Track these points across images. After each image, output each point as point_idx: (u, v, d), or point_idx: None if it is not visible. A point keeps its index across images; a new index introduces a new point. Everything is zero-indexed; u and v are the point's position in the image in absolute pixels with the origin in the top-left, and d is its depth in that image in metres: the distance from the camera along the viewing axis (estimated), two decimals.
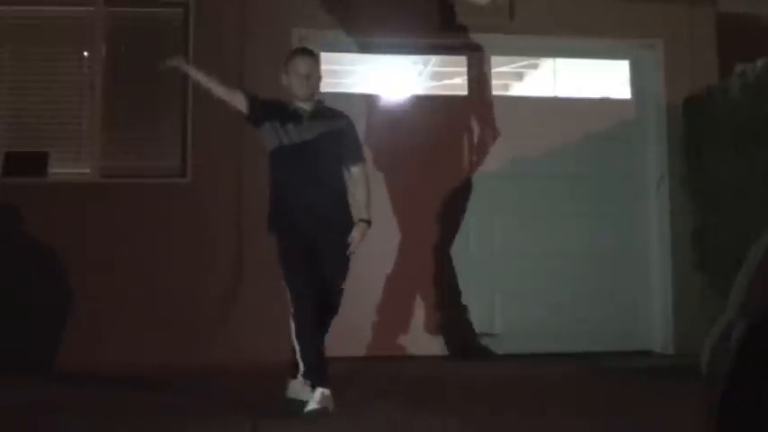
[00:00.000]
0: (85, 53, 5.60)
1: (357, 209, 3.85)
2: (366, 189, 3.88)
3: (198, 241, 5.34)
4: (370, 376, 4.14)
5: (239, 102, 3.84)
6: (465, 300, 5.68)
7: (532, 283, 5.70)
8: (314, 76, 3.84)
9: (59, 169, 5.43)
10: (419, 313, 5.60)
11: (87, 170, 5.47)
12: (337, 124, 3.85)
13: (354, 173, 3.87)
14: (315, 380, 3.55)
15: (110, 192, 5.39)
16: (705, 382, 1.57)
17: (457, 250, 5.70)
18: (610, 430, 3.27)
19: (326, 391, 3.51)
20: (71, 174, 5.47)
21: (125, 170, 5.50)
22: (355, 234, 3.76)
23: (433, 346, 5.59)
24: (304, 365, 3.60)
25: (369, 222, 3.82)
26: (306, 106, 3.82)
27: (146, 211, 5.33)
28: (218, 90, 3.90)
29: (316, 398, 3.49)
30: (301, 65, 3.81)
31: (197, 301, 5.27)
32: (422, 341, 5.57)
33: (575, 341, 5.61)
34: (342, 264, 3.76)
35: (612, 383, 4.55)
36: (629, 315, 5.82)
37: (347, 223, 3.79)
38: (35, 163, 5.36)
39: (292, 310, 3.63)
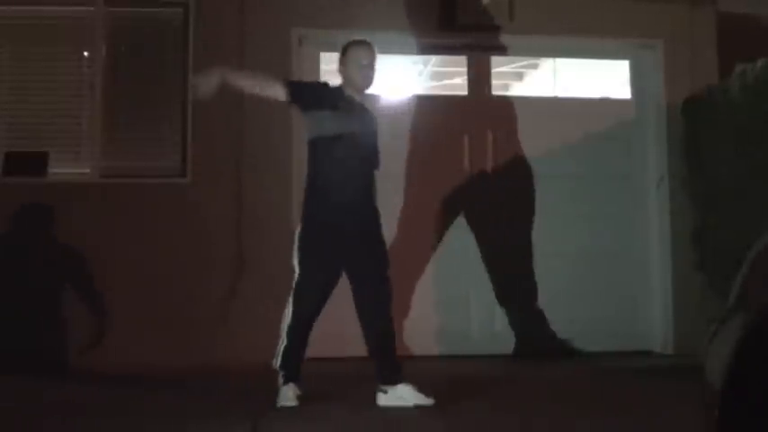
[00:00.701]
0: (85, 53, 5.60)
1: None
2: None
3: (198, 241, 5.35)
4: (371, 376, 4.12)
5: (277, 92, 3.73)
6: (464, 300, 5.69)
7: (533, 283, 5.70)
8: (374, 66, 3.83)
9: (59, 169, 5.43)
10: (419, 313, 5.59)
11: (87, 170, 5.47)
12: (375, 125, 3.89)
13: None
14: (289, 375, 3.66)
15: (110, 192, 5.39)
16: (705, 382, 1.58)
17: (457, 250, 5.70)
18: (610, 430, 3.27)
19: (296, 387, 3.64)
20: (71, 174, 5.47)
21: (125, 170, 5.51)
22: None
23: (433, 345, 5.59)
24: (282, 359, 3.68)
25: None
26: (357, 98, 3.83)
27: (146, 211, 5.33)
28: (256, 88, 3.81)
29: (288, 395, 3.61)
30: (364, 55, 3.81)
31: (197, 301, 5.27)
32: (421, 341, 5.57)
33: (575, 341, 5.61)
34: (382, 253, 3.78)
35: (612, 383, 4.54)
36: (629, 315, 5.83)
37: (377, 215, 3.81)
38: (35, 163, 5.36)
39: (292, 305, 3.69)
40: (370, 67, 3.81)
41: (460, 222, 5.73)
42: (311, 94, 3.79)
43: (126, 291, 5.21)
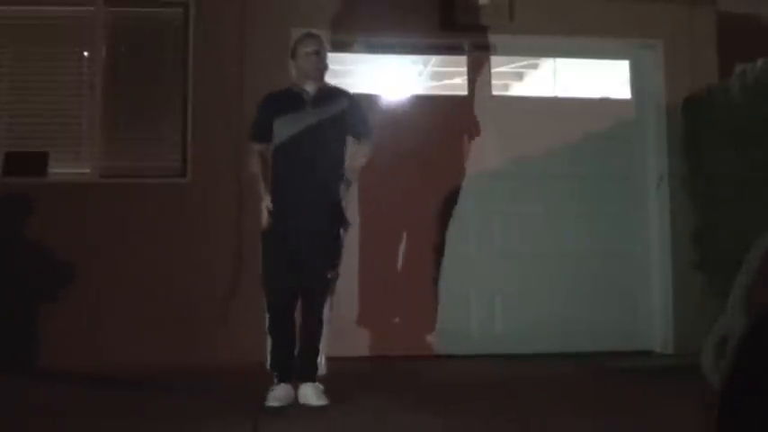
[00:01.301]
0: (85, 53, 5.60)
1: (348, 168, 3.92)
2: (364, 160, 3.98)
3: (198, 241, 5.34)
4: (371, 376, 4.14)
5: (254, 150, 3.94)
6: (464, 300, 5.69)
7: (533, 283, 5.70)
8: (321, 54, 3.89)
9: (59, 169, 5.42)
10: (419, 313, 5.59)
11: (87, 170, 5.46)
12: (339, 106, 3.89)
13: (357, 146, 3.98)
14: (279, 375, 3.70)
15: (110, 192, 5.39)
16: (705, 382, 1.58)
17: (457, 250, 5.70)
18: (610, 430, 3.27)
19: (289, 388, 3.67)
20: (71, 174, 5.47)
21: (125, 170, 5.50)
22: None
23: (433, 345, 5.59)
24: (270, 359, 3.74)
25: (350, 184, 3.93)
26: (310, 89, 3.86)
27: (146, 211, 5.33)
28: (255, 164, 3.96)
29: (277, 395, 3.63)
30: (308, 43, 3.91)
31: (197, 300, 5.27)
32: (421, 341, 5.57)
33: (575, 341, 5.61)
34: (328, 252, 3.80)
35: (612, 383, 4.55)
36: (629, 315, 5.82)
37: (339, 213, 3.84)
38: (35, 163, 5.36)
39: (265, 303, 3.77)
40: (315, 53, 3.87)
41: (460, 222, 5.73)
42: (257, 126, 3.93)
43: (126, 290, 5.21)
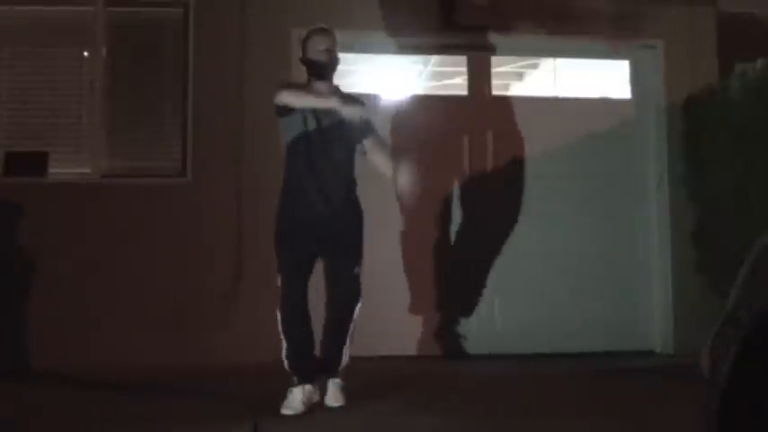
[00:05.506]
0: (85, 53, 5.60)
1: (381, 171, 3.79)
2: (384, 151, 3.81)
3: (198, 241, 5.34)
4: (372, 376, 4.13)
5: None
6: (464, 300, 5.69)
7: (533, 283, 5.70)
8: (334, 51, 3.78)
9: (59, 169, 5.42)
10: (418, 313, 5.59)
11: (87, 170, 5.47)
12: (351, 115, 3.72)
13: (367, 144, 3.81)
14: (298, 376, 3.59)
15: (110, 192, 5.39)
16: (705, 382, 1.58)
17: (457, 250, 5.70)
18: (610, 430, 3.27)
19: (308, 388, 3.56)
20: (71, 174, 5.47)
21: (125, 170, 5.51)
22: (402, 183, 3.67)
23: (433, 346, 5.59)
24: (286, 361, 3.64)
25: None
26: (324, 89, 3.75)
27: (146, 211, 5.33)
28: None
29: (295, 400, 3.52)
30: (321, 40, 3.78)
31: (197, 301, 5.27)
32: (421, 341, 5.57)
33: (575, 341, 5.61)
34: (350, 251, 3.73)
35: (612, 383, 4.55)
36: (630, 315, 5.82)
37: (356, 211, 3.78)
38: (35, 163, 5.36)
39: (279, 302, 3.67)
40: (328, 53, 3.76)
41: (459, 222, 5.73)
42: (291, 85, 3.78)
43: (126, 291, 5.21)
